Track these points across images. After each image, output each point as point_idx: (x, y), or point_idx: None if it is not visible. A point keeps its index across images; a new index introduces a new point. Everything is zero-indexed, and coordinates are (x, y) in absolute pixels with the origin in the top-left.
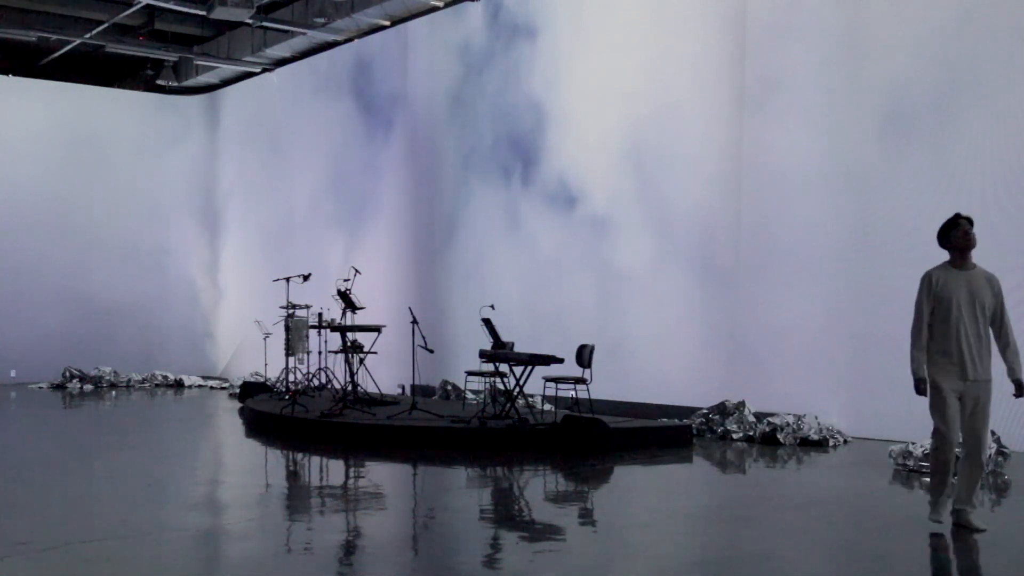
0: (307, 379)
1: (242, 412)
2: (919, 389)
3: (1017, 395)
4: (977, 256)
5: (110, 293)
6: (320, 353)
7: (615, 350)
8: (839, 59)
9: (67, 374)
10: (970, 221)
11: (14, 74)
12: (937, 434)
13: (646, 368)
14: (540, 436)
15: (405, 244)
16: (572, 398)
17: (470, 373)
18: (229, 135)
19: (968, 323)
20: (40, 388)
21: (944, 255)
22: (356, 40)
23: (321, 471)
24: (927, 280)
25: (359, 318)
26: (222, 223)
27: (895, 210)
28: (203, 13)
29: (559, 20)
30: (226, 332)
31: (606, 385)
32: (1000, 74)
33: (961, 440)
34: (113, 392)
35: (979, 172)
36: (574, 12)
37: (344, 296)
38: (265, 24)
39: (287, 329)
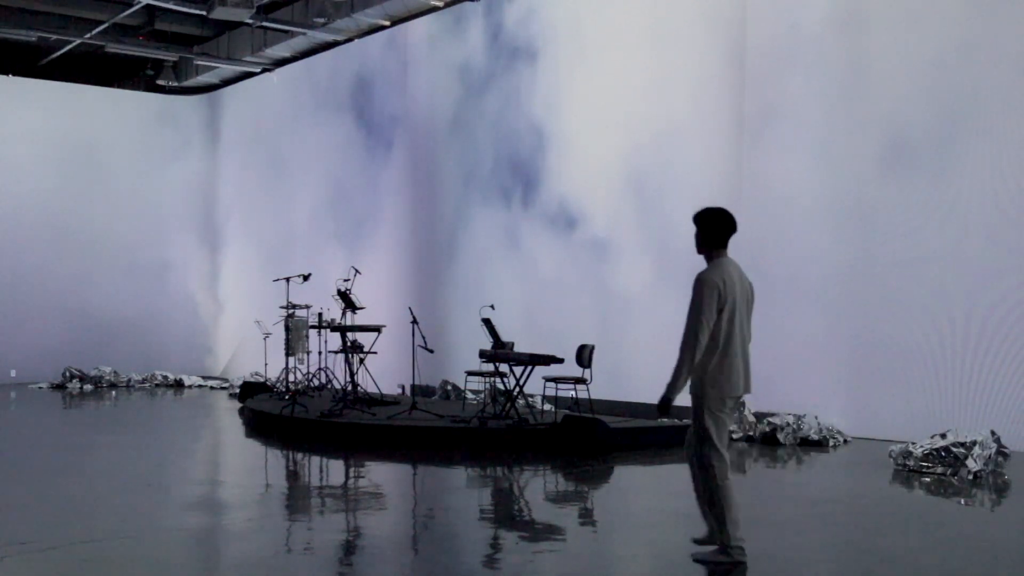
0: (307, 379)
1: (242, 412)
2: None
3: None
4: (987, 285)
5: (110, 305)
6: (320, 353)
7: (615, 371)
8: (839, 88)
9: (67, 374)
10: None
11: (14, 74)
12: None
13: (646, 369)
14: (540, 436)
15: (405, 262)
16: (572, 398)
17: (470, 373)
18: (230, 148)
19: None
20: (40, 388)
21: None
22: (356, 40)
23: (321, 471)
24: None
25: (359, 318)
26: (222, 238)
27: (895, 239)
28: (203, 13)
29: (559, 43)
30: (226, 340)
31: (606, 385)
32: (1000, 104)
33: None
34: (113, 392)
35: (979, 202)
36: (574, 36)
37: (344, 296)
38: (265, 24)
39: (287, 329)
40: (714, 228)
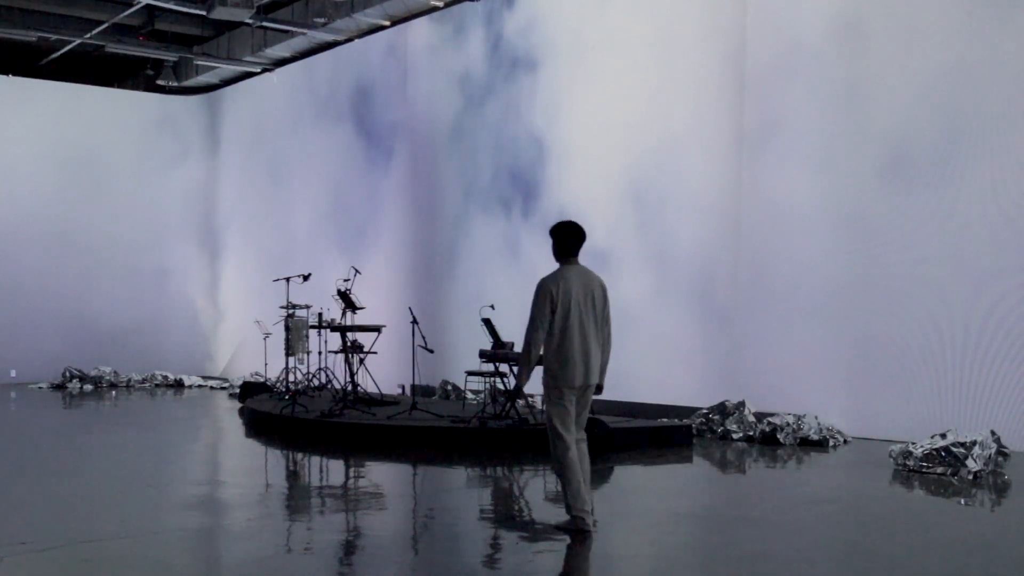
0: (307, 379)
1: (242, 412)
2: None
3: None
4: (987, 286)
5: (110, 311)
6: (320, 353)
7: (615, 372)
8: (840, 101)
9: (67, 374)
10: None
11: (14, 74)
12: None
13: (646, 371)
14: (540, 436)
15: (405, 268)
16: None
17: (470, 373)
18: (230, 153)
19: None
20: (40, 388)
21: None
22: (356, 43)
23: (321, 471)
24: None
25: (359, 318)
26: (222, 244)
27: (895, 243)
28: (203, 13)
29: (560, 54)
30: (225, 343)
31: (606, 386)
32: (999, 117)
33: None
34: (113, 392)
35: (980, 215)
36: (575, 47)
37: (344, 296)
38: (265, 24)
39: (287, 329)
40: (562, 239)
